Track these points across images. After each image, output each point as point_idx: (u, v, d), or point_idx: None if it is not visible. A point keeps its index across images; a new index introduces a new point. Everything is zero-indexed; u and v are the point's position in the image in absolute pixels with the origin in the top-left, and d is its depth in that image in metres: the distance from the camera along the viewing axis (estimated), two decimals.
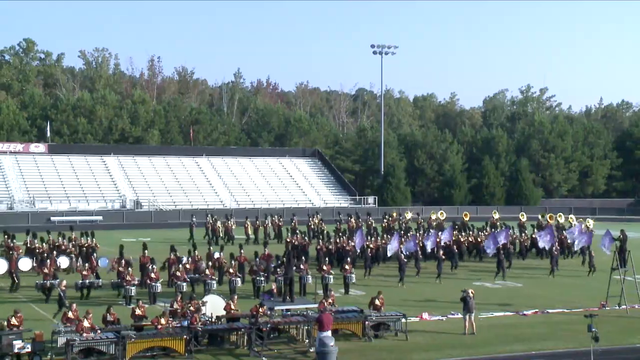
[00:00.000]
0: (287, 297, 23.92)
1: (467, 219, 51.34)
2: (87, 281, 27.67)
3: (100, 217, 60.40)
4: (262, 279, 28.18)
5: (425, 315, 24.74)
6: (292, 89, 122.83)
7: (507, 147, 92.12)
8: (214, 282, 27.99)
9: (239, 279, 28.32)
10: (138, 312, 20.77)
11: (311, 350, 19.99)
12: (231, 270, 28.40)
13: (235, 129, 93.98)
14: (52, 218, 58.50)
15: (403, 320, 22.07)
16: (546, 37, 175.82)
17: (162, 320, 19.78)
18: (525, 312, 25.81)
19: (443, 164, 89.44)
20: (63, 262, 31.42)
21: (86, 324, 19.25)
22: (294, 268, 25.88)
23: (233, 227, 46.78)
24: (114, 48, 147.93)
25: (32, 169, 68.03)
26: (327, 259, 31.19)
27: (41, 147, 71.43)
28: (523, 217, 50.76)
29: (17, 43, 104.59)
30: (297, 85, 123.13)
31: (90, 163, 71.37)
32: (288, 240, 38.59)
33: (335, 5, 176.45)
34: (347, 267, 29.57)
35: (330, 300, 22.73)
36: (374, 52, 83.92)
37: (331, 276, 28.83)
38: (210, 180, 73.60)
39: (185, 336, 19.50)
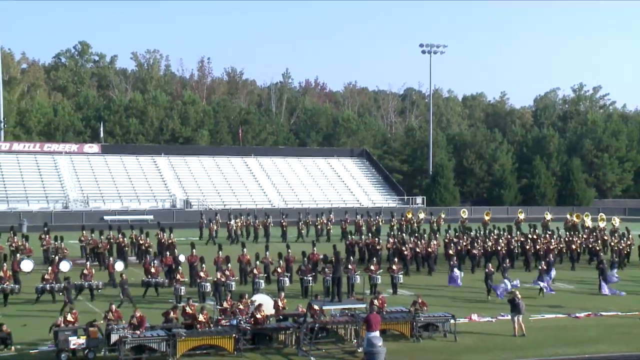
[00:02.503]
0: (335, 297, 23.91)
1: (487, 218, 50.80)
2: (154, 280, 27.88)
3: (151, 216, 61.39)
4: (310, 278, 28.26)
5: (474, 317, 24.48)
6: (340, 89, 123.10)
7: (558, 146, 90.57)
8: (262, 281, 28.16)
9: (287, 279, 28.46)
10: (188, 310, 21.04)
11: (359, 350, 19.97)
12: (279, 270, 28.56)
13: (284, 129, 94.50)
14: (105, 217, 59.68)
15: (452, 321, 21.89)
16: (599, 34, 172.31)
17: (201, 317, 19.97)
18: (577, 315, 25.33)
19: (492, 164, 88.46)
20: (118, 265, 31.40)
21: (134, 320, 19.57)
22: (343, 268, 25.88)
23: (262, 226, 47.46)
24: (165, 49, 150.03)
25: (86, 169, 69.53)
26: (374, 258, 31.11)
27: (95, 147, 72.94)
28: (547, 216, 49.99)
29: (73, 46, 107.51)
30: (345, 85, 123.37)
31: (142, 163, 72.61)
32: (350, 240, 38.64)
33: (384, 4, 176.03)
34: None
35: (378, 302, 22.64)
36: (423, 52, 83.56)
37: (379, 276, 28.79)
38: (258, 180, 74.14)
39: (234, 335, 19.69)
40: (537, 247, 36.75)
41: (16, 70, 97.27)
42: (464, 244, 36.70)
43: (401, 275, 29.87)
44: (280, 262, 29.21)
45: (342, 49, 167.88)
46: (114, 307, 20.99)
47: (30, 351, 19.85)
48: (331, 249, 29.16)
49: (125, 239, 36.51)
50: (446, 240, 37.15)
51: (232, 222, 46.59)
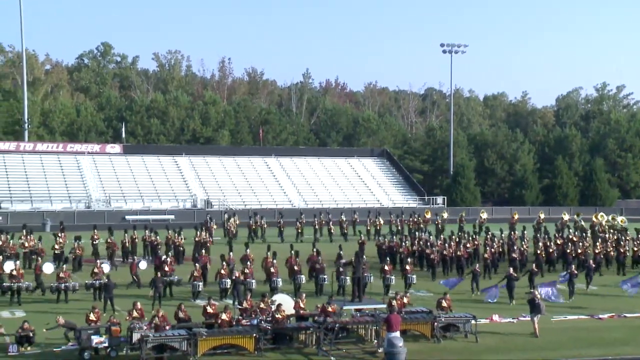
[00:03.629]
0: (356, 297, 23.91)
1: (516, 217, 50.33)
2: (169, 278, 27.99)
3: (172, 216, 61.71)
4: (326, 276, 28.34)
5: (495, 317, 24.34)
6: (360, 89, 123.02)
7: (581, 146, 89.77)
8: (279, 279, 28.22)
9: (302, 276, 28.73)
10: (209, 309, 21.14)
11: (380, 350, 19.95)
12: (295, 268, 28.78)
13: (304, 129, 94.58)
14: (126, 217, 60.08)
15: (473, 321, 21.79)
16: (623, 33, 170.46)
17: (224, 316, 20.02)
18: (600, 316, 25.09)
19: (514, 164, 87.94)
20: (142, 264, 31.42)
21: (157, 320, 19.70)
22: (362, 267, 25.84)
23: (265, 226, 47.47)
24: (186, 50, 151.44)
25: (108, 169, 70.04)
26: (387, 258, 30.98)
27: (116, 147, 73.45)
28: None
29: (96, 47, 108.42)
30: (365, 85, 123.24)
31: (163, 163, 73.00)
32: (375, 242, 38.44)
33: (405, 4, 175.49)
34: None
35: (401, 301, 22.59)
36: (444, 51, 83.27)
37: (392, 277, 28.52)
38: (279, 180, 74.26)
39: (255, 334, 19.74)
40: (579, 250, 35.05)
41: (40, 72, 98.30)
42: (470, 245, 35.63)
43: (415, 276, 29.53)
44: (297, 259, 29.29)
45: (362, 49, 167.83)
46: (139, 304, 21.17)
47: (54, 349, 20.06)
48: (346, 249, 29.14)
49: (157, 237, 36.90)
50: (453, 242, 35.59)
51: (231, 221, 46.13)
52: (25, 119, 74.47)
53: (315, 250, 30.73)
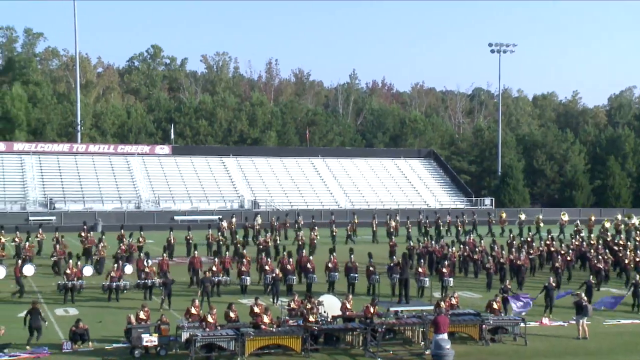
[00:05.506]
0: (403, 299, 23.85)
1: (565, 219, 49.04)
2: (217, 278, 28.19)
3: (219, 217, 62.29)
4: (378, 276, 28.28)
5: (545, 320, 23.96)
6: (407, 90, 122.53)
7: (634, 146, 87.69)
8: (315, 275, 28.76)
9: (336, 274, 29.09)
10: (256, 309, 21.27)
11: (427, 352, 19.83)
12: (330, 265, 29.15)
13: (351, 130, 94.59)
14: (175, 217, 60.91)
15: (522, 324, 21.51)
16: None
17: (266, 319, 20.16)
18: None
19: (564, 165, 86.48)
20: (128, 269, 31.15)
21: (210, 319, 19.91)
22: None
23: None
24: (233, 52, 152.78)
25: (157, 170, 71.11)
26: (422, 260, 30.58)
27: (165, 148, 74.52)
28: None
29: (146, 50, 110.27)
30: (412, 85, 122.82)
31: (211, 164, 73.78)
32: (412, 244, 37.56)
33: (452, 4, 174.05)
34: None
35: (450, 302, 22.43)
36: (492, 51, 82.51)
37: (427, 279, 28.02)
38: (325, 181, 74.38)
39: (301, 335, 19.83)
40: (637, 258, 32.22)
41: (92, 74, 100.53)
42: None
43: (452, 279, 28.81)
44: (331, 257, 29.54)
45: (409, 50, 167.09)
46: (196, 302, 21.47)
47: (106, 347, 20.48)
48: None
49: (223, 237, 38.12)
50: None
51: (224, 222, 45.15)
52: (78, 121, 76.20)
53: (350, 249, 30.94)
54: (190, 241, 37.12)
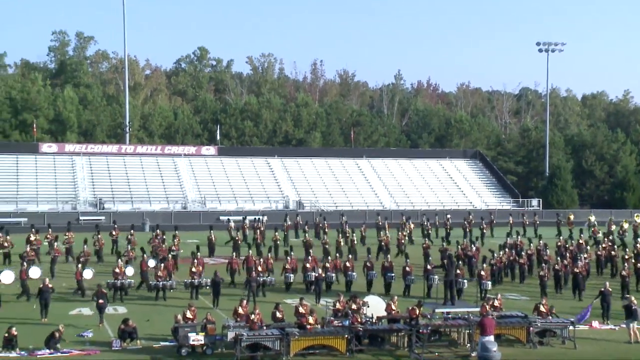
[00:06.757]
0: (448, 300, 23.71)
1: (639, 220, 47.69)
2: (262, 278, 28.32)
3: (265, 217, 62.63)
4: (413, 277, 28.23)
5: (595, 324, 23.52)
6: (452, 90, 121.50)
7: None
8: (354, 273, 29.22)
9: (373, 272, 29.29)
10: (301, 310, 21.38)
11: (473, 354, 19.68)
12: (368, 264, 29.39)
13: (395, 130, 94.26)
14: (220, 217, 61.47)
15: (571, 327, 21.16)
16: None
17: (311, 319, 20.19)
18: None
19: (614, 165, 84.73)
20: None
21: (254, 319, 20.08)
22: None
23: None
24: (278, 53, 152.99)
25: (203, 170, 71.88)
26: (460, 262, 30.14)
27: (212, 149, 75.27)
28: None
29: (192, 52, 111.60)
30: (458, 85, 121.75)
31: (256, 165, 74.27)
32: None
33: (499, 2, 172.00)
34: (483, 273, 27.82)
35: (494, 304, 22.19)
36: (540, 50, 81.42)
37: (465, 280, 27.58)
38: (370, 182, 74.22)
39: (346, 335, 19.84)
40: None
41: (140, 76, 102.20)
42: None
43: (490, 282, 28.06)
44: (370, 256, 30.32)
45: (454, 49, 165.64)
46: (244, 302, 21.71)
47: (154, 345, 20.81)
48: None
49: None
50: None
51: (231, 223, 45.30)
52: (127, 122, 77.57)
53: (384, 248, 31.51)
54: (239, 242, 37.80)
